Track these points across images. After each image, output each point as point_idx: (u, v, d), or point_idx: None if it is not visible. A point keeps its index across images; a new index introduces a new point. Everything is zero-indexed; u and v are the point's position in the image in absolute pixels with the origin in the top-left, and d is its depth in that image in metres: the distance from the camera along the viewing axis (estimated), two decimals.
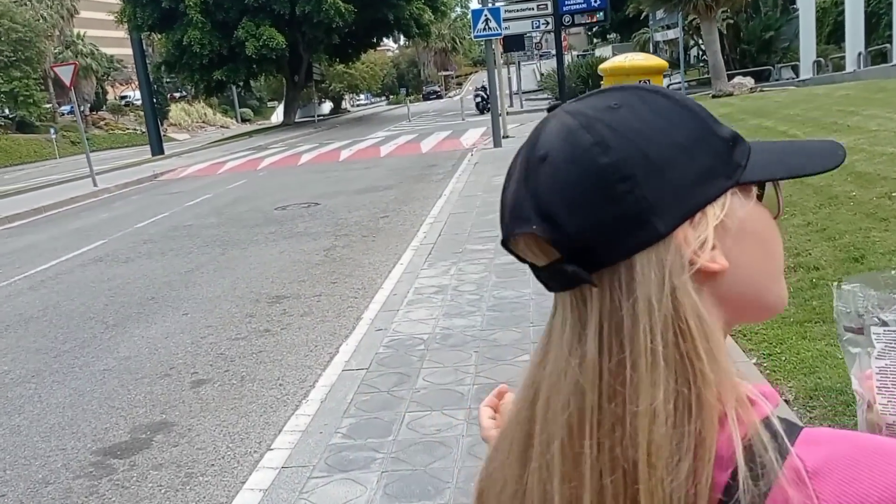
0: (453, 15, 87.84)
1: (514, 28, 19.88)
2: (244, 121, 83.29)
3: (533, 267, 0.58)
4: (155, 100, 79.24)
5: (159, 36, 37.59)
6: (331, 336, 5.48)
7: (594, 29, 50.95)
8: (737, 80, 20.31)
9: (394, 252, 7.83)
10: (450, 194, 10.79)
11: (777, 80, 26.69)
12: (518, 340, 4.60)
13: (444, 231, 8.12)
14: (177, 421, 4.30)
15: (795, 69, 26.82)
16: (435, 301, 5.61)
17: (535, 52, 54.29)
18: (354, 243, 8.59)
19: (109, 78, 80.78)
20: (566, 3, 22.01)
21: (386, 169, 15.62)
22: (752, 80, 21.18)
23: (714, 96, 19.53)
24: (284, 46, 33.77)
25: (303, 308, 6.23)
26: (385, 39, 50.86)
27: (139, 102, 62.65)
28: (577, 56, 52.22)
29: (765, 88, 19.81)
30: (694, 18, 26.34)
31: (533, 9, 19.64)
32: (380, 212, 10.51)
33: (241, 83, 41.68)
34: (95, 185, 17.51)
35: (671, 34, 26.69)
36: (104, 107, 78.60)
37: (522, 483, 0.56)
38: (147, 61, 38.50)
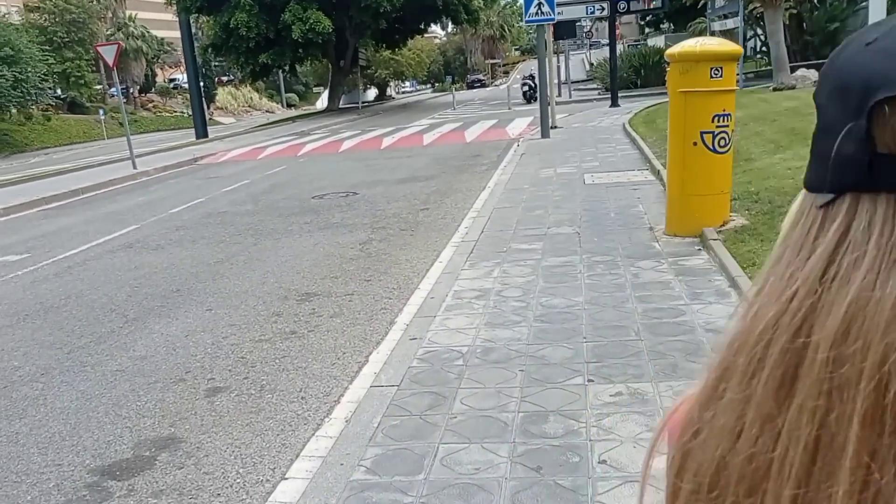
0: (503, 2, 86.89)
1: (567, 14, 19.07)
2: (290, 105, 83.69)
3: (840, 157, 0.42)
4: (202, 83, 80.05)
5: (207, 18, 37.49)
6: (361, 342, 5.00)
7: (647, 17, 49.64)
8: (800, 72, 19.31)
9: (433, 248, 7.33)
10: (494, 187, 10.24)
11: None
12: (569, 359, 4.06)
13: (488, 227, 7.58)
14: (185, 437, 3.87)
15: None
16: (476, 308, 5.08)
17: (586, 40, 53.29)
18: (392, 237, 8.11)
19: (159, 60, 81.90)
20: None
21: (428, 158, 15.13)
22: (816, 73, 20.12)
23: (776, 89, 18.59)
24: (331, 31, 33.42)
25: (333, 308, 5.77)
26: (432, 26, 50.31)
27: (187, 85, 63.02)
28: (628, 45, 50.94)
29: None
30: (756, 7, 25.26)
31: None
32: (420, 203, 10.02)
33: (287, 67, 41.48)
34: (135, 167, 17.34)
35: (730, 23, 25.59)
36: (153, 89, 79.80)
37: (776, 425, 0.43)
38: (196, 44, 38.64)
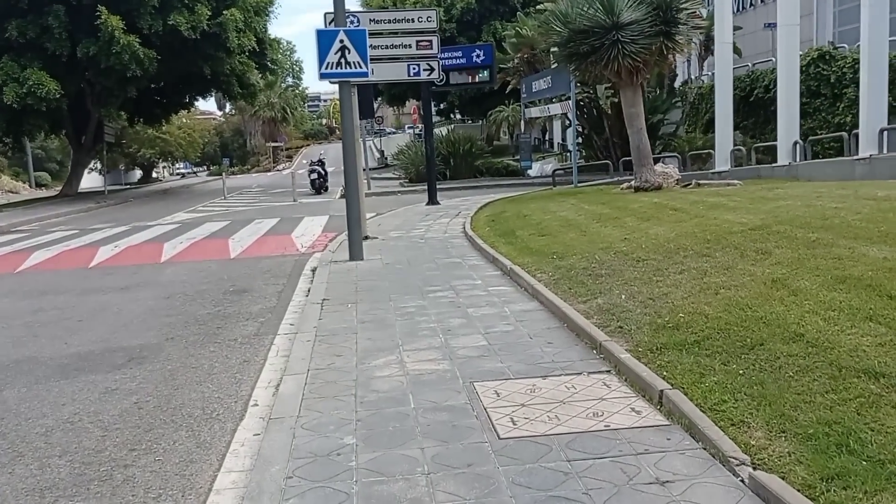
0: (284, 85, 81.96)
1: (380, 74, 13.80)
2: (40, 185, 71.74)
3: None
4: None
5: None
6: None
7: (441, 105, 46.74)
8: (659, 167, 15.56)
9: None
10: (273, 407, 4.36)
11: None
12: None
13: None
14: None
15: (683, 159, 23.21)
16: None
17: (377, 125, 49.48)
18: None
19: None
20: (440, 57, 16.54)
21: (156, 294, 8.81)
22: (677, 170, 16.62)
23: (638, 188, 14.58)
24: (59, 96, 25.87)
25: None
26: (202, 99, 43.78)
27: None
28: (416, 135, 47.22)
29: (701, 182, 15.17)
30: (578, 93, 21.96)
31: (411, 45, 13.69)
32: (78, 476, 3.86)
33: (8, 140, 32.47)
34: None
35: (555, 109, 22.05)
36: None
37: None
38: None
